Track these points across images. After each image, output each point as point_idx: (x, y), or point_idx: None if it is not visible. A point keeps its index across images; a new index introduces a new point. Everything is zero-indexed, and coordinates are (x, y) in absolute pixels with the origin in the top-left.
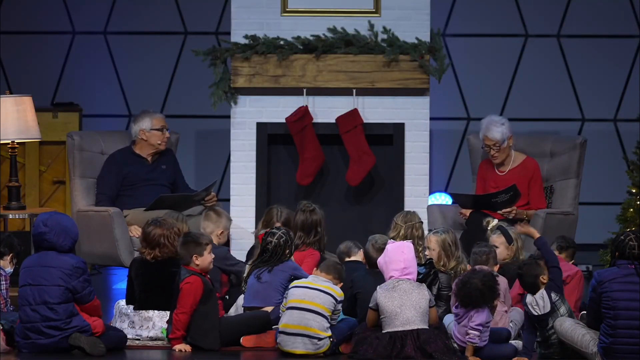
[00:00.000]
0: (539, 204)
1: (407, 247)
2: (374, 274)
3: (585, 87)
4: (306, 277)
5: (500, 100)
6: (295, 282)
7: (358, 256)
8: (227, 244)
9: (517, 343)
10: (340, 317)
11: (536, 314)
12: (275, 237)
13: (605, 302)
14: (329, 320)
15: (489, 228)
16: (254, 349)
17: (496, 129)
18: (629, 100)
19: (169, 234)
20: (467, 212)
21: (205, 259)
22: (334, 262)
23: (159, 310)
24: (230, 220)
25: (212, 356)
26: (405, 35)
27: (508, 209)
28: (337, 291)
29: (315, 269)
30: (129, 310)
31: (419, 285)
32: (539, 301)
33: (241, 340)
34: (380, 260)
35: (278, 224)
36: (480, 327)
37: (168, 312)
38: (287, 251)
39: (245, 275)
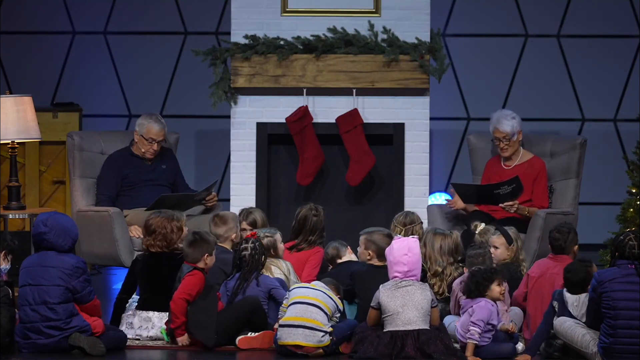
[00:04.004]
0: (542, 203)
1: (411, 247)
2: (374, 272)
3: (585, 87)
4: (284, 294)
5: (500, 100)
6: (301, 284)
7: (348, 255)
8: None
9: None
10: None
11: (574, 314)
12: (250, 243)
13: (605, 302)
14: (329, 319)
15: (477, 232)
16: (254, 349)
17: (507, 121)
18: (629, 100)
19: (166, 223)
20: (456, 203)
21: (212, 259)
22: (331, 279)
23: (159, 311)
24: (237, 219)
25: (212, 356)
26: (405, 35)
27: (510, 203)
28: (339, 301)
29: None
30: (129, 312)
31: (422, 285)
32: (581, 305)
33: (237, 342)
34: (388, 255)
35: (245, 224)
36: (481, 324)
37: (167, 313)
38: (264, 257)
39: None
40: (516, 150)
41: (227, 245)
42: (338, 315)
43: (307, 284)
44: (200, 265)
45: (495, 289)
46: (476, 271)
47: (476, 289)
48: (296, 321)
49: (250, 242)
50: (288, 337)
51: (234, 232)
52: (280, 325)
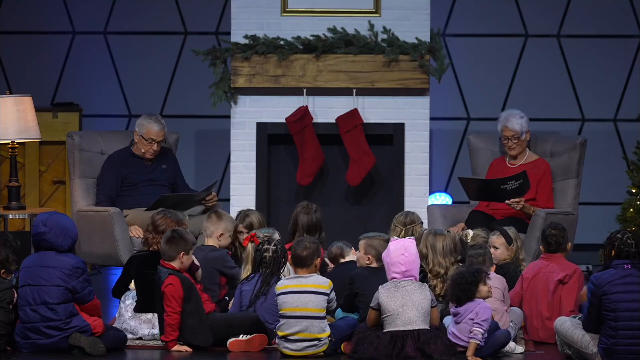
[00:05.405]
0: (547, 204)
1: (407, 248)
2: (373, 273)
3: (585, 87)
4: None
5: (501, 100)
6: (281, 288)
7: (351, 256)
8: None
9: (517, 346)
10: (340, 315)
11: None
12: (272, 245)
13: (605, 304)
14: (326, 316)
15: (467, 240)
16: (251, 350)
17: (516, 120)
18: (629, 100)
19: (173, 225)
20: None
21: (189, 259)
22: (301, 251)
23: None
24: (233, 223)
25: (212, 356)
26: (405, 35)
27: (516, 200)
28: (324, 284)
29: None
30: (129, 313)
31: (421, 285)
32: None
33: (228, 345)
34: (384, 257)
35: (241, 227)
36: (485, 325)
37: None
38: (284, 260)
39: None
40: (523, 150)
41: (213, 243)
42: (333, 296)
43: (291, 286)
44: (176, 264)
45: (483, 288)
46: (459, 279)
47: (464, 295)
48: (295, 336)
49: (272, 244)
50: (289, 348)
51: (221, 232)
52: (279, 338)
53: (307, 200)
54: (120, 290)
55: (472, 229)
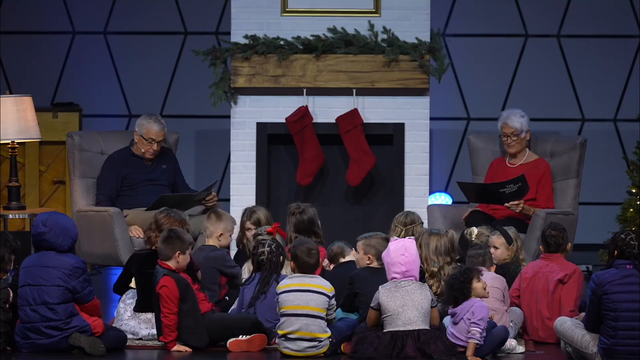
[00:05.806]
0: (547, 204)
1: (407, 247)
2: (373, 273)
3: (585, 87)
4: None
5: (501, 100)
6: (283, 286)
7: (352, 256)
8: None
9: (517, 346)
10: (339, 315)
11: None
12: (266, 246)
13: (605, 304)
14: (326, 318)
15: (472, 238)
16: (251, 350)
17: (516, 118)
18: (629, 100)
19: (176, 224)
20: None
21: (185, 259)
22: (310, 259)
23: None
24: (233, 222)
25: (212, 356)
26: (405, 35)
27: (515, 202)
28: (327, 287)
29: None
30: (128, 313)
31: (422, 285)
32: None
33: (228, 345)
34: (385, 257)
35: (249, 224)
36: (482, 323)
37: None
38: (282, 257)
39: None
40: (522, 149)
41: (213, 243)
42: (333, 302)
43: (294, 285)
44: (172, 264)
45: (478, 285)
46: (451, 280)
47: (461, 294)
48: (295, 335)
49: (266, 245)
50: (289, 348)
51: (221, 231)
52: (279, 337)
53: (301, 201)
54: (120, 287)
55: (472, 236)
